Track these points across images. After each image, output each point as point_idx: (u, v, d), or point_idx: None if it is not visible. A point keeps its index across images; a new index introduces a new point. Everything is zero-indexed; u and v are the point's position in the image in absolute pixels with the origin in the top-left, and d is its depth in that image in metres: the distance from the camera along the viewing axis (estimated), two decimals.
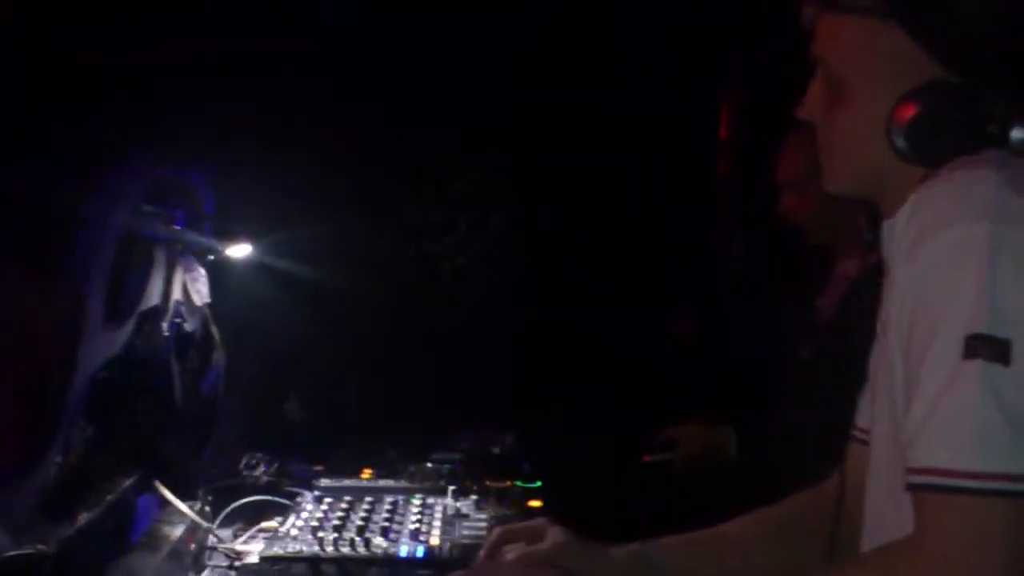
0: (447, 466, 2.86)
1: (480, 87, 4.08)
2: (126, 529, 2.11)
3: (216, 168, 2.50)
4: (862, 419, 1.64)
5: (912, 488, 1.20)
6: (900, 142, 1.31)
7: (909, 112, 1.30)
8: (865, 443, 1.55)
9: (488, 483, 2.68)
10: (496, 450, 3.10)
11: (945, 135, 1.29)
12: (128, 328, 2.12)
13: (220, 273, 2.66)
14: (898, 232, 1.31)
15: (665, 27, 4.39)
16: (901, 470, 1.27)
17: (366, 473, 2.79)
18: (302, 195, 3.36)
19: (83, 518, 1.93)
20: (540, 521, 1.78)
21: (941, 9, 1.29)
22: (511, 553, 1.70)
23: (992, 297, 1.15)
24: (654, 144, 4.45)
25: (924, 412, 1.18)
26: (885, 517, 1.40)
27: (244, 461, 2.89)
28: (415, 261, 4.27)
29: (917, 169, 1.32)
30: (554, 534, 1.69)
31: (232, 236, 2.64)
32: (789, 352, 2.89)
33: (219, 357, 2.75)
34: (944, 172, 1.27)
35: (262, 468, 2.87)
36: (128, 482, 2.15)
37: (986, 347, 1.14)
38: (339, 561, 2.09)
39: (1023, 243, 1.17)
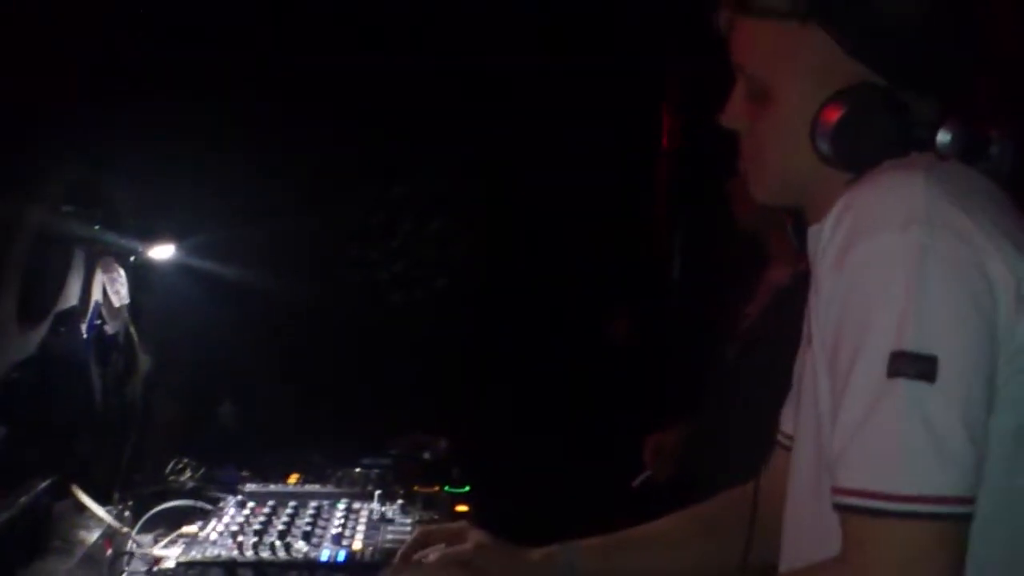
0: (376, 471, 2.85)
1: (422, 91, 4.06)
2: (39, 533, 2.08)
3: (138, 167, 2.47)
4: (786, 424, 1.61)
5: (838, 508, 1.16)
6: (825, 146, 1.26)
7: (833, 115, 1.25)
8: (789, 448, 1.53)
9: (416, 488, 2.67)
10: (427, 455, 3.08)
11: (870, 139, 1.24)
12: (43, 329, 2.09)
13: (143, 275, 2.62)
14: (824, 238, 1.23)
15: (609, 32, 4.41)
16: (822, 473, 1.25)
17: (293, 478, 2.77)
18: (227, 195, 3.32)
19: None
20: (461, 523, 1.80)
21: (861, 7, 1.25)
22: (431, 555, 1.70)
23: (917, 311, 1.11)
24: (595, 149, 4.46)
25: (850, 431, 1.14)
26: (805, 518, 1.37)
27: (171, 466, 2.86)
28: (351, 265, 4.24)
29: (843, 174, 1.27)
30: (474, 536, 1.70)
31: (154, 237, 2.60)
32: (717, 356, 2.91)
33: (143, 360, 2.72)
34: (871, 177, 1.22)
35: (188, 473, 2.84)
36: (43, 485, 2.11)
37: (910, 365, 1.10)
38: (256, 565, 2.07)
39: (951, 253, 1.12)
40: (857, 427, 1.13)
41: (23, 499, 2.03)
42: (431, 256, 4.41)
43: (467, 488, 2.74)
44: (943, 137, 1.23)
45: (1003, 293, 1.13)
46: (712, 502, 1.76)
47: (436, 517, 2.47)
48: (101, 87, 2.25)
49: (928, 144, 1.23)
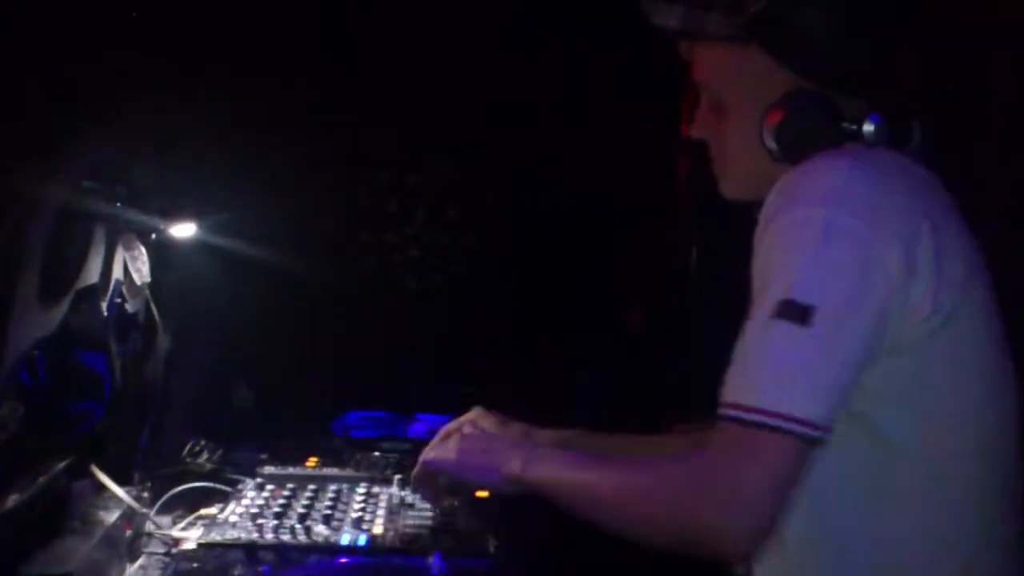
0: (395, 455, 2.82)
1: (441, 76, 4.03)
2: (59, 513, 2.06)
3: (161, 145, 2.45)
4: None
5: (719, 419, 1.36)
6: (771, 144, 1.51)
7: (776, 117, 1.50)
8: None
9: None
10: None
11: (805, 134, 1.49)
12: (64, 306, 2.06)
13: (164, 253, 2.60)
14: (761, 216, 1.45)
15: (627, 26, 4.34)
16: None
17: (311, 461, 2.74)
18: (250, 175, 3.29)
19: (13, 500, 1.88)
20: (477, 411, 2.06)
21: (792, 29, 1.50)
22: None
23: (809, 270, 1.34)
24: (613, 138, 4.42)
25: (736, 359, 1.36)
26: None
27: (188, 447, 2.84)
28: (369, 249, 4.21)
29: (790, 167, 1.47)
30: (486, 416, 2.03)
31: (176, 215, 2.58)
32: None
33: (162, 339, 2.70)
34: (804, 162, 1.45)
35: (206, 455, 2.82)
36: (62, 464, 2.09)
37: (791, 309, 1.32)
38: (277, 548, 2.05)
39: (849, 227, 1.35)
40: (742, 355, 1.36)
41: (42, 479, 2.02)
42: (447, 243, 4.38)
43: None
44: (868, 128, 1.49)
45: (892, 262, 1.35)
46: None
47: (456, 504, 2.44)
48: (124, 65, 2.22)
49: (857, 135, 1.49)
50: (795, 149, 1.49)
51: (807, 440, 1.30)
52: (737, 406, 1.32)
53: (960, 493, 1.43)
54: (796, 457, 1.31)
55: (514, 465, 1.65)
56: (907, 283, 1.36)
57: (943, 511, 1.42)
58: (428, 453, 1.89)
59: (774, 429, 1.29)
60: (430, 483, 1.91)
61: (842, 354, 1.33)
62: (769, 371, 1.33)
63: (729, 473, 1.32)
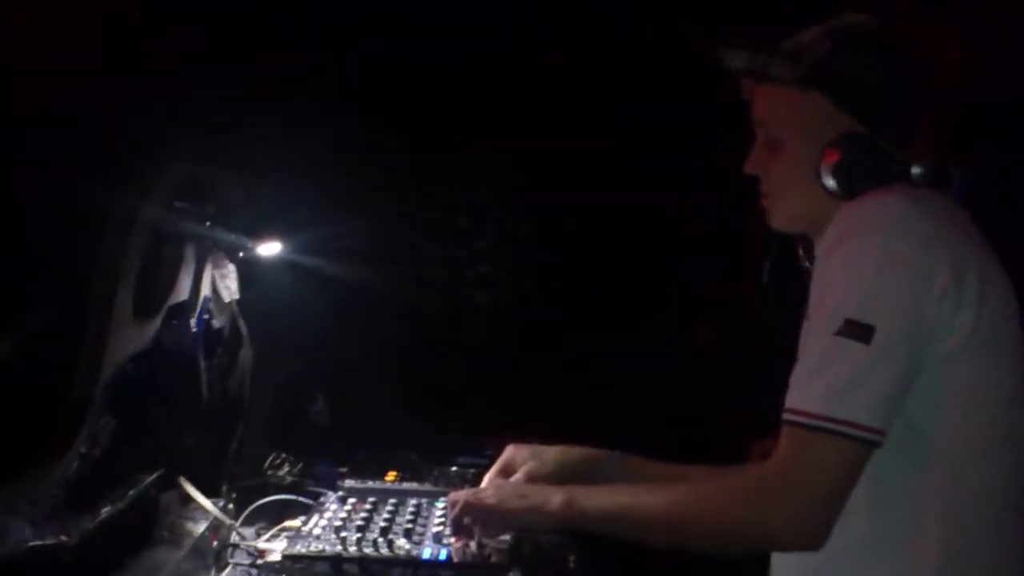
0: (472, 471, 2.84)
1: (510, 95, 4.05)
2: (148, 524, 2.11)
3: (248, 166, 2.50)
4: None
5: (782, 424, 1.53)
6: (828, 180, 1.65)
7: (833, 156, 1.65)
8: None
9: None
10: None
11: (862, 172, 1.63)
12: (156, 322, 2.12)
13: (249, 271, 2.65)
14: (822, 246, 1.64)
15: (700, 36, 4.32)
16: None
17: (390, 475, 2.77)
18: (332, 195, 3.34)
19: (106, 511, 1.93)
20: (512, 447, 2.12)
21: (851, 78, 1.66)
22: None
23: (870, 292, 1.50)
24: (682, 150, 4.40)
25: (802, 368, 1.55)
26: None
27: (269, 460, 2.89)
28: (442, 265, 4.25)
29: (840, 202, 1.64)
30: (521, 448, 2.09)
31: (262, 234, 2.63)
32: None
33: (247, 355, 2.75)
34: (859, 198, 1.61)
35: (287, 468, 2.87)
36: (152, 477, 2.15)
37: (853, 328, 1.48)
38: (361, 561, 2.07)
39: (906, 254, 1.51)
40: (808, 365, 1.54)
41: (132, 491, 2.07)
42: (517, 258, 4.39)
43: None
44: (915, 170, 1.64)
45: (942, 288, 1.51)
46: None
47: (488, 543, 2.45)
48: (215, 86, 2.28)
49: (904, 175, 1.64)
50: (850, 186, 1.63)
51: (867, 443, 1.49)
52: (804, 413, 1.50)
53: (982, 491, 1.57)
54: (857, 458, 1.50)
55: (557, 502, 1.79)
56: (955, 305, 1.51)
57: (966, 509, 1.56)
58: (469, 495, 1.96)
59: (839, 434, 1.47)
60: (468, 524, 1.97)
61: (897, 367, 1.50)
62: (834, 382, 1.49)
63: (798, 474, 1.50)
